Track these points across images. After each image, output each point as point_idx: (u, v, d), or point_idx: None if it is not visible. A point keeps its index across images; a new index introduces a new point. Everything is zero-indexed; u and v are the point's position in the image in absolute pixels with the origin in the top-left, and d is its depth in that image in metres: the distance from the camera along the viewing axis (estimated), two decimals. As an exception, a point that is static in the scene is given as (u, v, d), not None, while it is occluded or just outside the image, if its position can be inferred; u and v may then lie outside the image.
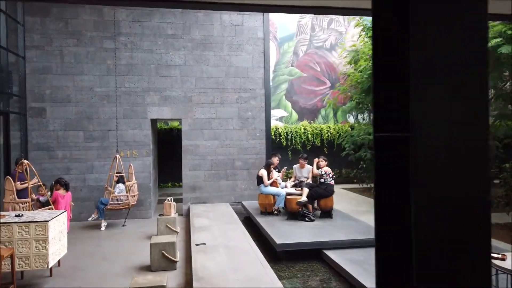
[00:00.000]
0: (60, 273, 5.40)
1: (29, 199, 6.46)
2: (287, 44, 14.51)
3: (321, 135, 13.82)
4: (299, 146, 13.65)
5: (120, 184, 8.08)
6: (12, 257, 4.60)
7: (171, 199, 7.39)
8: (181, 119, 9.46)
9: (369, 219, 8.07)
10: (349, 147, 12.30)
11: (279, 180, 8.39)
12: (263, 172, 8.05)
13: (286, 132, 13.63)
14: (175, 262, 5.62)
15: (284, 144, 13.57)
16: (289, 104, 14.46)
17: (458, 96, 1.24)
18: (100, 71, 8.88)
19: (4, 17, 7.79)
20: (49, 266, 4.95)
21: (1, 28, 7.75)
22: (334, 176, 7.86)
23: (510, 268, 3.89)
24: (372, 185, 12.32)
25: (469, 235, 1.17)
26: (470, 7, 1.22)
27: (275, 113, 14.09)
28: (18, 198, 6.45)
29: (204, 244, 6.10)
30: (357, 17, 11.52)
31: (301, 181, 8.29)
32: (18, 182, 6.59)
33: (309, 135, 13.67)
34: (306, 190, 7.49)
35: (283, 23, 14.46)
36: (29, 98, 8.55)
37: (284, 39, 14.50)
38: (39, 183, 6.75)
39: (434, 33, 1.23)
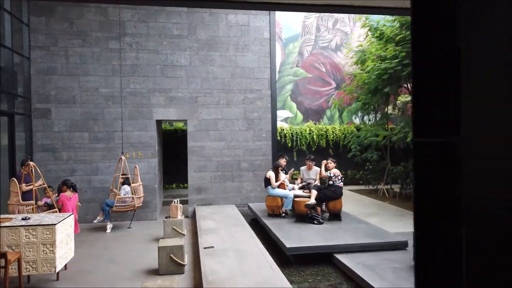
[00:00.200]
0: (67, 276, 5.31)
1: (33, 202, 6.38)
2: (292, 45, 14.42)
3: (327, 136, 13.72)
4: (304, 147, 13.55)
5: (125, 186, 8.00)
6: (19, 261, 4.52)
7: (177, 201, 7.30)
8: (186, 120, 9.37)
9: (378, 222, 7.97)
10: (355, 148, 12.20)
11: (287, 182, 8.29)
12: (271, 174, 7.96)
13: (291, 133, 13.54)
14: (183, 265, 5.53)
15: (290, 145, 13.47)
16: (294, 105, 14.37)
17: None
18: (105, 71, 8.81)
19: (9, 17, 7.72)
20: (57, 270, 4.87)
21: (6, 29, 7.68)
22: (343, 178, 7.75)
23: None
24: (379, 187, 12.23)
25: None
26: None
27: (280, 114, 13.99)
28: (23, 200, 6.37)
29: (212, 247, 6.00)
30: (363, 18, 11.41)
31: (309, 183, 8.19)
32: (24, 184, 6.52)
33: (315, 136, 13.57)
34: (314, 192, 7.39)
35: (288, 23, 14.37)
36: (34, 99, 8.48)
37: (289, 39, 14.41)
38: (44, 185, 6.67)
39: (486, 29, 1.15)
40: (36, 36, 8.49)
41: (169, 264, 5.46)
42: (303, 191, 8.07)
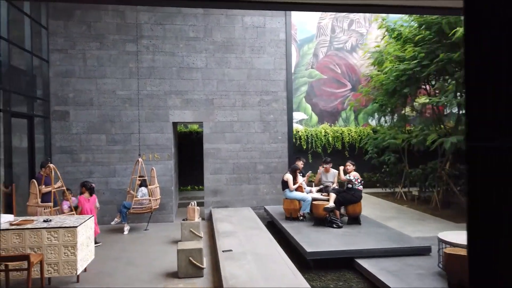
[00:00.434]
0: (87, 278, 5.30)
1: (51, 204, 6.41)
2: (307, 46, 14.32)
3: (342, 138, 13.57)
4: (319, 150, 13.42)
5: (142, 188, 8.00)
6: (41, 263, 4.53)
7: (194, 203, 7.27)
8: (202, 122, 9.35)
9: (398, 226, 7.82)
10: (372, 151, 12.03)
11: (304, 185, 8.19)
12: (289, 177, 7.87)
13: (307, 135, 13.42)
14: (202, 269, 5.48)
15: (305, 147, 13.36)
16: (309, 107, 14.26)
17: None
18: (122, 74, 8.84)
19: (29, 21, 7.80)
20: (78, 273, 4.87)
21: (26, 32, 7.77)
22: (362, 181, 7.62)
23: None
24: (396, 190, 12.04)
25: None
26: None
27: (295, 116, 13.87)
28: (42, 202, 6.41)
29: (231, 250, 5.94)
30: (380, 18, 11.25)
31: (327, 186, 8.08)
32: (43, 186, 6.56)
33: (330, 138, 13.43)
34: (333, 196, 7.28)
35: (302, 25, 14.28)
36: (52, 102, 8.56)
37: (304, 40, 14.32)
38: (62, 188, 6.70)
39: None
40: (54, 39, 8.57)
41: (188, 267, 5.41)
42: (321, 194, 7.96)
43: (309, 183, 8.97)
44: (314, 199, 7.70)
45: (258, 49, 9.52)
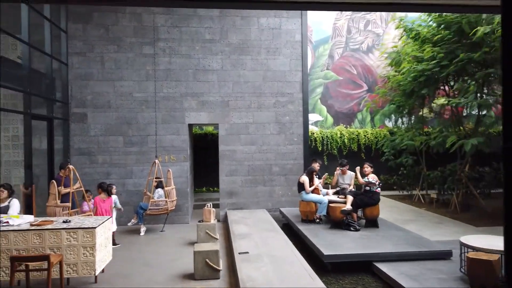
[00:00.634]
0: (105, 279, 5.35)
1: (69, 204, 6.49)
2: (322, 47, 14.22)
3: (358, 140, 13.41)
4: (335, 151, 13.29)
5: (159, 189, 8.05)
6: (60, 263, 4.58)
7: (210, 205, 7.27)
8: (218, 124, 9.36)
9: (416, 229, 7.67)
10: (389, 153, 11.85)
11: (320, 187, 8.11)
12: (305, 179, 7.80)
13: (322, 137, 13.31)
14: (219, 271, 5.46)
15: (320, 149, 13.25)
16: (324, 108, 14.15)
17: None
18: (139, 76, 8.93)
19: (49, 25, 7.95)
20: (96, 274, 4.91)
21: (46, 36, 7.92)
22: (380, 184, 7.50)
23: None
24: (413, 192, 11.82)
25: None
26: None
27: (310, 117, 13.79)
28: (61, 202, 6.49)
29: (247, 252, 5.91)
30: (397, 18, 11.08)
31: (344, 188, 7.98)
32: (62, 187, 6.65)
33: (346, 140, 13.29)
34: (350, 198, 7.18)
35: (318, 26, 14.20)
36: (71, 104, 8.69)
37: (319, 42, 14.23)
38: (81, 188, 6.79)
39: None
40: (73, 42, 8.72)
41: (205, 269, 5.41)
42: (338, 197, 7.87)
43: (325, 185, 8.89)
44: (330, 202, 7.61)
45: (273, 50, 9.49)
